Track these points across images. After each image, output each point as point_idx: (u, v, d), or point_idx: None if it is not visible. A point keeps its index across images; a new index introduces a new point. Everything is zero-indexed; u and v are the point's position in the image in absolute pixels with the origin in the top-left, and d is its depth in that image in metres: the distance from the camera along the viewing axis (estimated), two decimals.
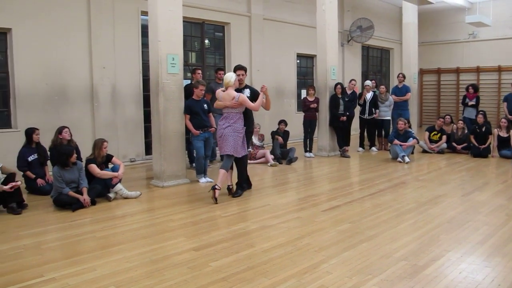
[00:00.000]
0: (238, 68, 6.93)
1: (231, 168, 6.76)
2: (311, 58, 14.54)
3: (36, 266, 4.12)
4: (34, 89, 8.40)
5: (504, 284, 3.65)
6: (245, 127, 6.65)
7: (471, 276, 3.80)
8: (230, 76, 6.58)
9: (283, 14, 13.43)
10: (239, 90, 6.75)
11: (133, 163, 9.63)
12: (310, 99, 10.72)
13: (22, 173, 7.01)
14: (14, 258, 4.39)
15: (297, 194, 7.15)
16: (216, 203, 6.21)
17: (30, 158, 7.06)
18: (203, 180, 7.83)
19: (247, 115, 6.83)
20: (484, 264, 4.08)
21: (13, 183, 5.98)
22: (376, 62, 18.24)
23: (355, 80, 11.45)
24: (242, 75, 6.88)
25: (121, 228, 5.28)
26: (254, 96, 6.82)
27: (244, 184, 6.97)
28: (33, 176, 7.04)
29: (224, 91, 6.61)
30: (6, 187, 5.91)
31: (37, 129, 7.16)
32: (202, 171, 7.91)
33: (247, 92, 6.84)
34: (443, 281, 3.69)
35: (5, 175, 6.15)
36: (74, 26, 8.86)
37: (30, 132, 7.08)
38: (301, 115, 11.20)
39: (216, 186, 6.26)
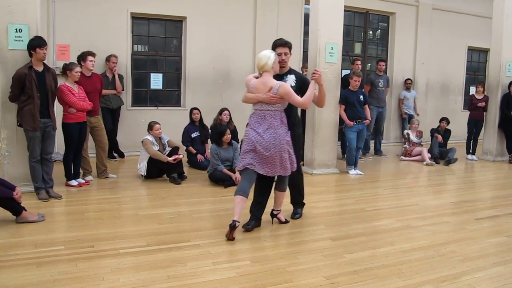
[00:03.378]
0: (279, 45, 4.69)
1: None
2: (484, 52, 13.32)
3: (186, 231, 4.55)
4: (202, 73, 9.19)
5: None
6: (289, 132, 4.55)
7: None
8: (266, 56, 4.42)
9: (455, 3, 12.46)
10: (280, 76, 4.66)
11: None
12: (478, 97, 9.88)
13: (185, 147, 7.73)
14: (170, 221, 4.89)
15: (451, 197, 6.70)
16: (233, 239, 4.34)
17: (193, 135, 7.76)
18: (352, 171, 7.77)
19: (291, 112, 4.73)
20: None
21: (176, 156, 6.64)
22: None
23: None
24: (285, 54, 4.69)
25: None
26: (302, 85, 4.66)
27: (303, 200, 5.30)
28: (194, 151, 7.74)
29: (258, 77, 4.53)
30: (170, 159, 6.58)
31: (196, 109, 7.82)
32: (352, 163, 7.85)
33: (291, 79, 4.73)
34: None
35: (170, 148, 6.85)
36: (241, 16, 9.45)
37: (190, 111, 7.78)
38: (466, 114, 10.39)
39: (235, 223, 4.29)
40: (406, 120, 11.06)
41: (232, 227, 4.26)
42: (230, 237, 4.27)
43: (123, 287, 3.30)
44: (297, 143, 4.85)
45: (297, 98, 4.41)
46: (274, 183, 4.77)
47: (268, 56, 4.41)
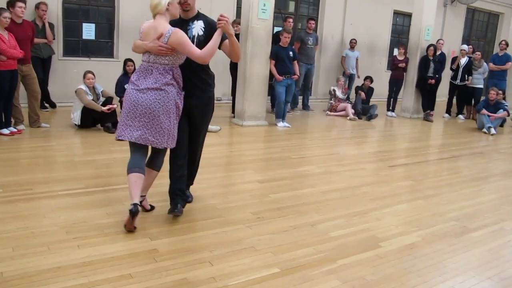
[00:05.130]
0: None
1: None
2: (408, 16, 13.99)
3: (123, 175, 4.71)
4: (135, 24, 9.08)
5: None
6: (183, 92, 3.59)
7: None
8: None
9: None
10: (185, 22, 3.68)
11: (219, 101, 10.19)
12: (400, 58, 10.59)
13: (118, 98, 7.79)
14: (106, 167, 5.10)
15: (369, 148, 7.34)
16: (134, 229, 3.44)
17: (126, 86, 7.79)
18: (281, 124, 8.21)
19: (203, 70, 3.72)
20: None
21: (110, 106, 6.75)
22: (481, 27, 17.16)
23: (443, 40, 10.99)
24: None
25: None
26: (211, 34, 3.52)
27: (188, 191, 4.09)
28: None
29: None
30: (104, 108, 6.69)
31: (130, 60, 7.85)
32: (281, 116, 8.28)
33: (198, 26, 3.69)
34: (487, 245, 3.78)
35: (104, 98, 6.93)
36: None
37: (124, 63, 7.81)
38: (389, 74, 11.11)
39: (136, 207, 3.39)
40: (350, 77, 11.55)
41: (134, 213, 3.32)
42: (130, 228, 3.38)
43: (65, 223, 3.52)
44: (205, 116, 3.86)
45: (194, 50, 3.36)
46: (148, 158, 3.74)
47: None
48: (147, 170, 3.66)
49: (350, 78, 11.45)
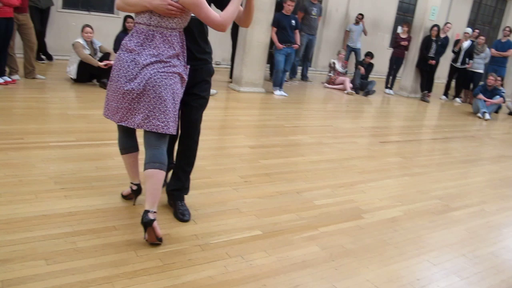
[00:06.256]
0: None
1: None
2: None
3: (115, 131, 4.74)
4: None
5: None
6: (188, 67, 2.85)
7: (496, 227, 3.96)
8: None
9: None
10: None
11: (218, 65, 10.15)
12: (403, 36, 10.53)
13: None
14: (99, 122, 5.11)
15: (363, 123, 7.37)
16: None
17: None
18: (277, 92, 8.21)
19: (202, 37, 3.01)
20: None
21: (108, 61, 6.71)
22: (488, 12, 16.98)
23: (450, 24, 10.92)
24: None
25: None
26: None
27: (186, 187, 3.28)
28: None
29: None
30: (101, 64, 6.65)
31: (130, 17, 7.75)
32: (278, 84, 8.27)
33: None
34: (466, 225, 3.86)
35: (102, 54, 6.88)
36: None
37: (124, 19, 7.71)
38: (391, 51, 11.05)
39: (132, 187, 3.20)
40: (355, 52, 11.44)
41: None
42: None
43: (54, 173, 3.56)
44: (202, 96, 3.08)
45: (212, 14, 2.65)
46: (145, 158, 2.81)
47: None
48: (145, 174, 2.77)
49: (355, 52, 11.36)
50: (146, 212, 2.67)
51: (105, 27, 8.46)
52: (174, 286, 2.40)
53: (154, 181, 2.70)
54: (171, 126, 2.74)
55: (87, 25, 6.80)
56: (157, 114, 2.69)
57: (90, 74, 6.81)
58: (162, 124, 2.70)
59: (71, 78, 6.83)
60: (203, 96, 3.08)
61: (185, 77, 2.82)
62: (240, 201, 3.55)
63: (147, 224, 2.66)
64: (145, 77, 2.66)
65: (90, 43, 6.83)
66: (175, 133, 2.81)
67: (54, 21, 8.32)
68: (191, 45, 2.89)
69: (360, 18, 11.25)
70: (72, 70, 6.76)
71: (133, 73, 2.68)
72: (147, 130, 2.73)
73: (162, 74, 2.68)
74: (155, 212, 2.70)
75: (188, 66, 2.85)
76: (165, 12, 2.61)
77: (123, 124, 2.81)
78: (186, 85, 2.90)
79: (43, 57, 8.16)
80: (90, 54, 6.70)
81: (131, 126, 2.79)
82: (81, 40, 6.67)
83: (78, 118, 5.17)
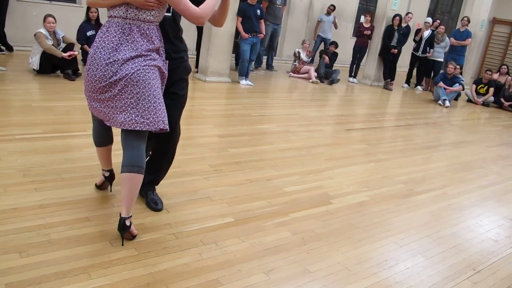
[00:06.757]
0: None
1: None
2: None
3: (82, 122, 4.75)
4: None
5: (489, 224, 3.99)
6: (167, 61, 2.79)
7: (458, 209, 4.15)
8: None
9: None
10: None
11: None
12: (366, 25, 10.71)
13: (80, 45, 7.60)
14: (65, 114, 5.05)
15: (329, 111, 7.50)
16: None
17: (89, 33, 7.59)
18: (243, 82, 8.25)
19: (178, 31, 2.99)
20: (475, 203, 4.39)
21: (71, 52, 6.58)
22: (447, 2, 17.42)
23: (412, 14, 11.17)
24: None
25: None
26: None
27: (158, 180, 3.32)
28: (89, 50, 7.61)
29: None
30: (65, 55, 6.52)
31: None
32: (244, 74, 8.31)
33: None
34: (430, 207, 4.04)
35: (65, 44, 6.75)
36: None
37: (87, 9, 7.58)
38: (354, 40, 11.22)
39: (104, 173, 3.26)
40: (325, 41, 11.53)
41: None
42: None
43: (21, 166, 3.50)
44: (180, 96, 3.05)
45: (191, 7, 2.56)
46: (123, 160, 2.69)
47: None
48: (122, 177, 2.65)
49: (325, 42, 11.44)
50: (123, 219, 2.61)
51: (67, 17, 8.27)
52: (150, 274, 2.43)
53: (132, 186, 2.60)
54: (158, 121, 2.60)
55: (50, 15, 6.65)
56: (140, 111, 2.57)
57: (53, 65, 6.67)
58: (147, 121, 2.58)
59: (34, 69, 6.67)
60: (182, 94, 3.04)
61: (165, 72, 2.75)
62: (211, 189, 3.60)
63: (124, 231, 2.64)
64: (127, 71, 2.53)
65: (53, 33, 6.68)
66: (166, 127, 2.66)
67: (13, 10, 8.07)
68: (166, 45, 2.81)
69: (332, 9, 11.37)
70: (34, 61, 6.60)
71: (112, 70, 2.53)
72: (130, 129, 2.60)
73: (144, 67, 2.57)
74: (130, 216, 2.65)
75: (167, 61, 2.78)
76: (143, 4, 2.53)
77: (107, 124, 2.69)
78: (165, 85, 2.82)
79: (2, 48, 7.92)
80: (53, 45, 6.56)
81: (115, 127, 2.66)
82: (43, 30, 6.52)
83: (43, 110, 5.07)
